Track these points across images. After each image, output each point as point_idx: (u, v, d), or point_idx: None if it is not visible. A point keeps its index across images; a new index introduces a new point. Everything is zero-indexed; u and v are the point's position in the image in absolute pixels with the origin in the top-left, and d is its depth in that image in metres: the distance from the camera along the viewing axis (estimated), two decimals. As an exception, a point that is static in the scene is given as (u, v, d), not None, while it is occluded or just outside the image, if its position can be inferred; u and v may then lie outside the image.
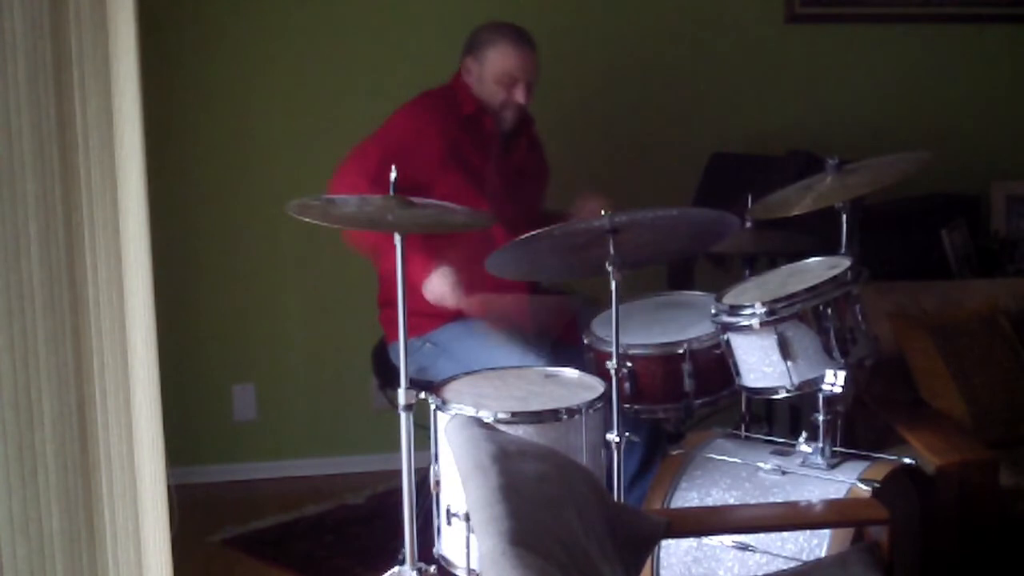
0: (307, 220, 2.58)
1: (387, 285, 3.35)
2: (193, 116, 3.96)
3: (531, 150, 3.51)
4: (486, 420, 2.38)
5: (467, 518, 2.51)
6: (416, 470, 2.70)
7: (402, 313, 2.65)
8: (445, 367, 3.13)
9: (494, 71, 3.29)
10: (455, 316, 3.24)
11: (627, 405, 2.79)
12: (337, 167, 3.20)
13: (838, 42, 4.45)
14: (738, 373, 2.75)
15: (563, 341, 3.23)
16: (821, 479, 2.57)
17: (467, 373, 2.85)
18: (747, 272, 3.10)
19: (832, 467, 2.60)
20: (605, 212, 2.57)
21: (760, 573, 2.47)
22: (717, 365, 2.83)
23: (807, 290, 2.62)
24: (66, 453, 2.49)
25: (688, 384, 2.82)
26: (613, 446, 2.61)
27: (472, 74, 3.33)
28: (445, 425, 2.20)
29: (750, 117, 4.34)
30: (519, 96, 3.30)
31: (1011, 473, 2.90)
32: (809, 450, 2.65)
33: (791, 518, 2.43)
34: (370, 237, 3.08)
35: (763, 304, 2.63)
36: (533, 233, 2.63)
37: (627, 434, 2.63)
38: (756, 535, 2.51)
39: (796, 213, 2.84)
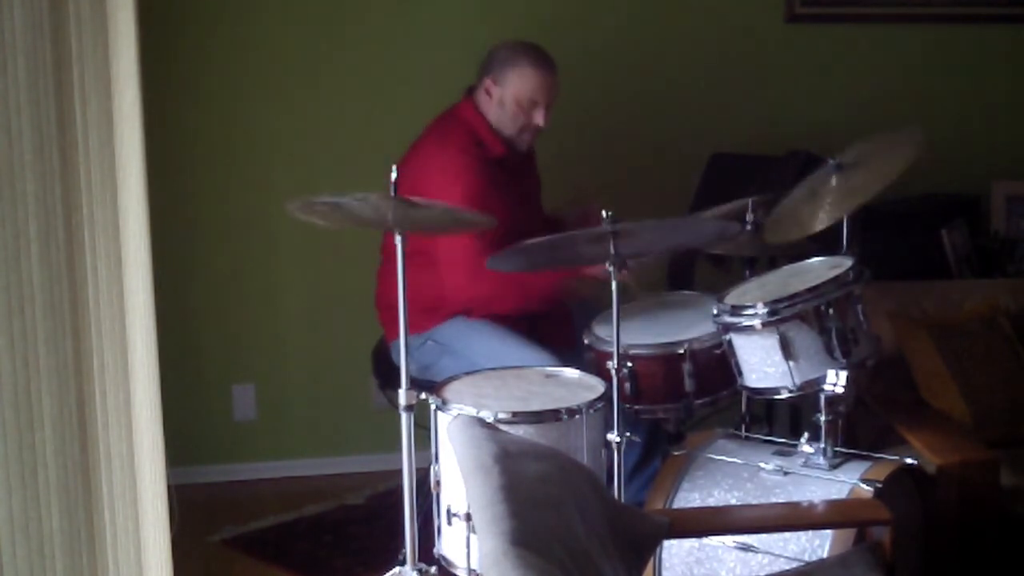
0: (307, 220, 2.58)
1: (386, 286, 3.34)
2: (193, 116, 3.96)
3: (530, 162, 3.50)
4: (487, 420, 2.38)
5: (468, 518, 2.52)
6: (416, 470, 2.70)
7: (402, 314, 2.65)
8: (448, 365, 3.13)
9: (516, 94, 3.21)
10: (455, 313, 3.23)
11: (627, 405, 2.78)
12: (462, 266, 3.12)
13: (838, 42, 4.45)
14: (740, 373, 2.75)
15: (563, 345, 3.23)
16: (823, 479, 2.57)
17: (467, 373, 2.85)
18: (747, 272, 3.09)
19: (834, 467, 2.60)
20: (605, 214, 2.57)
21: (762, 574, 2.47)
22: (717, 365, 2.83)
23: (809, 290, 2.62)
24: (66, 453, 2.48)
25: (688, 384, 2.82)
26: (613, 446, 2.61)
27: (493, 97, 3.24)
28: (448, 425, 2.20)
29: (750, 117, 4.33)
30: (539, 119, 3.23)
31: (1011, 473, 2.89)
32: (811, 450, 2.65)
33: (793, 518, 2.42)
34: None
35: (765, 304, 2.63)
36: (533, 241, 2.64)
37: (628, 434, 2.63)
38: (758, 535, 2.51)
39: (815, 231, 2.79)
